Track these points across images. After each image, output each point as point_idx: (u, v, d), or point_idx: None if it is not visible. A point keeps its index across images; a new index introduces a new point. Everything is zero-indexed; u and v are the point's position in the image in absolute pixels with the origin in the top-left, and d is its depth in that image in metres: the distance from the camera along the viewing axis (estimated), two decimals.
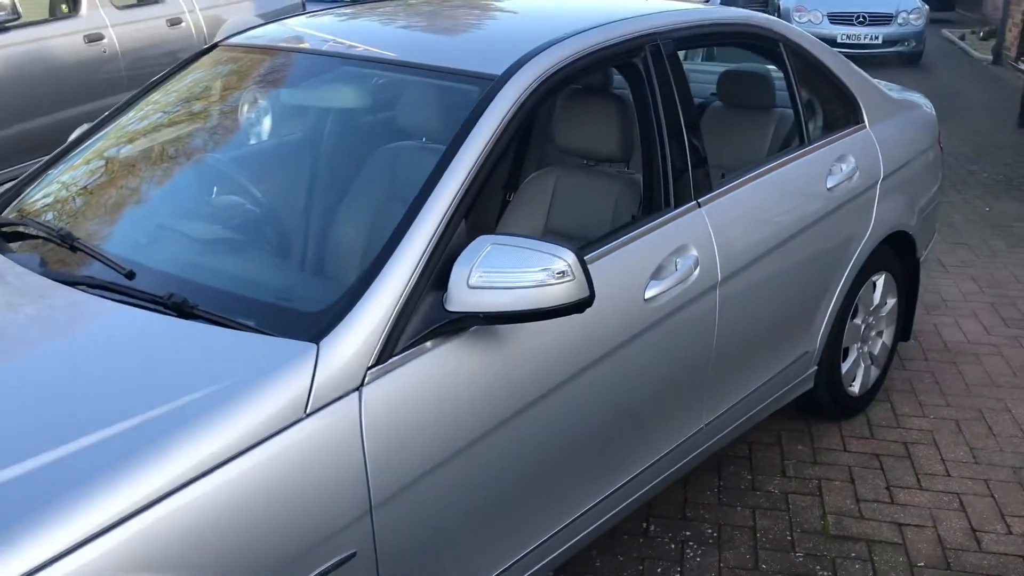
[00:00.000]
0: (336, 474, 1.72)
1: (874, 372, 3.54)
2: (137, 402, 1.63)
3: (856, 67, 3.34)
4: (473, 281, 1.84)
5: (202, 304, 1.88)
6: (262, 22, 3.21)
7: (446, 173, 1.97)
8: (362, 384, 1.77)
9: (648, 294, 2.30)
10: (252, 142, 2.54)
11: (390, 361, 1.82)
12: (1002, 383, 3.76)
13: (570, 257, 1.84)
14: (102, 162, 2.63)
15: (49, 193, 2.58)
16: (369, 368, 1.79)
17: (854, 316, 3.30)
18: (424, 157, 2.09)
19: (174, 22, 6.11)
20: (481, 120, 2.07)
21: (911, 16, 12.01)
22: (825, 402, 3.33)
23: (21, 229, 2.35)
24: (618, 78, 2.98)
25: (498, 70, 2.19)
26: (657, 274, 2.34)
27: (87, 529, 1.44)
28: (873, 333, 3.48)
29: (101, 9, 5.55)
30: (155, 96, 2.77)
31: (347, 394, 1.75)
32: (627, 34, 2.48)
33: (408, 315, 1.85)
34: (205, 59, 2.80)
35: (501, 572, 2.11)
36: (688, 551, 2.78)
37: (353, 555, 1.76)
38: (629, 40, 2.48)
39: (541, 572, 2.25)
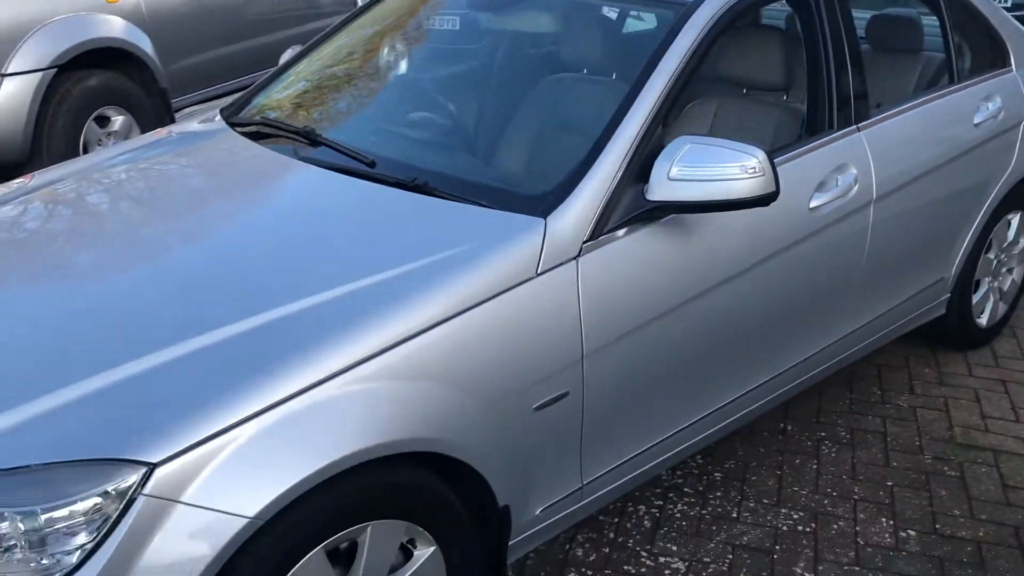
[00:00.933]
0: (558, 325, 2.06)
1: (1002, 307, 3.72)
2: (409, 254, 2.00)
3: (1007, 14, 3.50)
4: (673, 174, 2.14)
5: (439, 187, 2.24)
6: None
7: (650, 78, 2.27)
8: (578, 255, 2.11)
9: (812, 204, 2.57)
10: (466, 57, 2.89)
11: (600, 239, 2.14)
12: None
13: (761, 155, 2.13)
14: (324, 74, 3.01)
15: (279, 101, 2.98)
16: (584, 242, 2.12)
17: (988, 250, 3.49)
18: (630, 65, 2.39)
19: None
20: (678, 38, 2.36)
21: None
22: (954, 330, 3.54)
23: (266, 129, 2.75)
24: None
25: None
26: (820, 187, 2.61)
27: (380, 343, 1.82)
28: (1004, 269, 3.66)
29: None
30: (363, 19, 3.14)
31: (567, 261, 2.09)
32: None
33: (615, 202, 2.17)
34: None
35: (678, 431, 2.44)
36: (824, 448, 3.06)
37: (566, 394, 2.11)
38: None
39: (708, 439, 2.58)
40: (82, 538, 1.57)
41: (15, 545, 1.58)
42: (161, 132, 3.02)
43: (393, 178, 2.30)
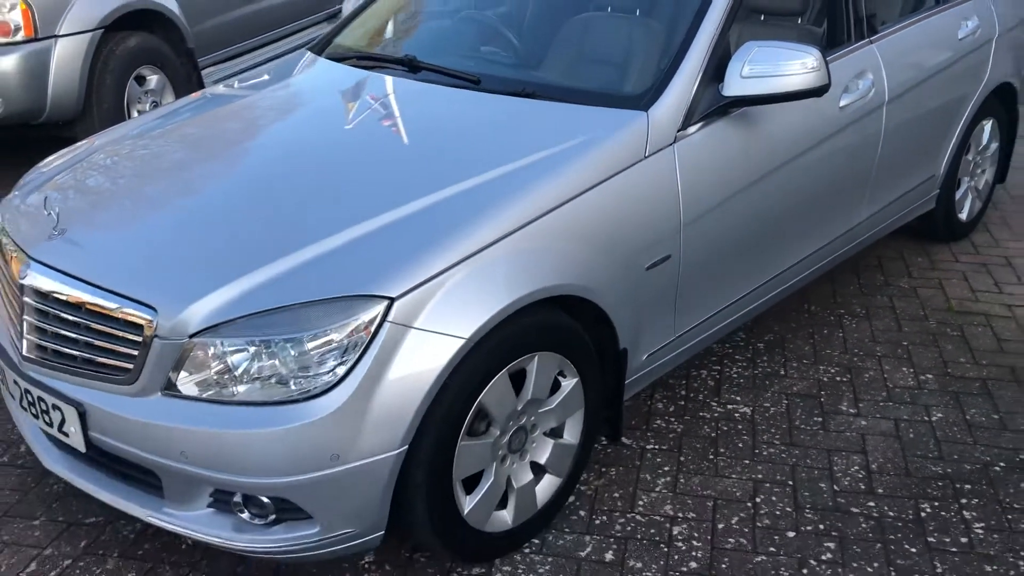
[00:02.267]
0: (663, 199, 2.53)
1: (977, 204, 4.30)
2: (547, 143, 2.45)
3: None
4: (744, 72, 2.62)
5: (550, 95, 2.69)
6: None
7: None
8: (674, 141, 2.58)
9: (841, 104, 3.08)
10: None
11: (689, 129, 2.61)
12: None
13: (816, 53, 2.61)
14: (408, 11, 3.43)
15: (367, 35, 3.37)
16: (678, 131, 2.59)
17: (967, 152, 4.05)
18: None
19: None
20: None
21: None
22: (941, 223, 4.10)
23: (365, 62, 3.14)
24: None
25: None
26: (846, 90, 3.11)
27: (535, 210, 2.27)
28: (979, 170, 4.23)
29: None
30: None
31: (666, 147, 2.56)
32: None
33: (699, 98, 2.64)
34: None
35: (748, 293, 2.94)
36: (845, 320, 3.60)
37: (668, 257, 2.58)
38: None
39: (767, 303, 3.09)
40: (337, 361, 2.00)
41: (284, 370, 2.00)
42: (262, 74, 3.39)
43: (504, 90, 2.74)
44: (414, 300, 2.05)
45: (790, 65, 2.60)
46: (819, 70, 2.61)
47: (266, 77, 3.28)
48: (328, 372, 2.00)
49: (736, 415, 3.02)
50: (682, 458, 2.81)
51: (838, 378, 3.22)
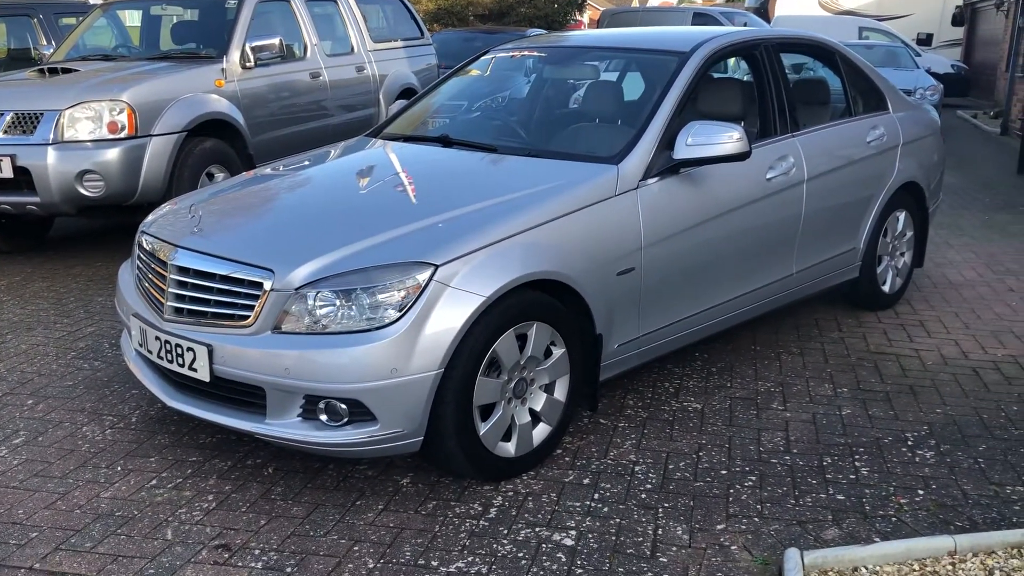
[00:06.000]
0: (628, 226, 3.49)
1: (899, 281, 5.25)
2: (544, 181, 3.44)
3: (883, 75, 5.16)
4: (688, 141, 3.63)
5: (549, 155, 3.70)
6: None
7: (670, 91, 3.80)
8: (636, 187, 3.56)
9: (767, 176, 4.09)
10: (544, 85, 4.42)
11: (648, 180, 3.61)
12: (988, 298, 5.45)
13: (740, 129, 3.63)
14: (440, 106, 4.51)
15: (411, 123, 4.44)
16: (640, 180, 3.58)
17: (885, 235, 5.03)
18: (656, 86, 3.91)
19: (360, 69, 8.09)
20: (683, 70, 3.90)
21: (927, 92, 13.93)
22: (865, 292, 5.03)
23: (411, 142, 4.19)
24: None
25: (687, 48, 4.03)
26: (771, 168, 4.13)
27: (536, 220, 3.22)
28: (898, 252, 5.21)
29: (319, 57, 7.54)
30: (451, 80, 4.68)
31: (631, 190, 3.54)
32: (750, 39, 4.33)
33: (656, 159, 3.64)
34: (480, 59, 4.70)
35: (694, 314, 3.85)
36: (782, 356, 4.48)
37: (633, 269, 3.51)
38: (752, 42, 4.32)
39: (710, 329, 3.98)
40: (397, 306, 2.90)
41: (359, 311, 2.90)
42: (334, 147, 4.45)
43: (523, 151, 3.78)
44: (452, 268, 2.97)
45: (721, 136, 3.62)
46: (742, 140, 3.63)
47: (338, 149, 4.33)
48: (390, 313, 2.90)
49: (689, 409, 3.87)
50: (645, 431, 3.65)
51: (772, 389, 4.08)
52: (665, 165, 3.66)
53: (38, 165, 5.58)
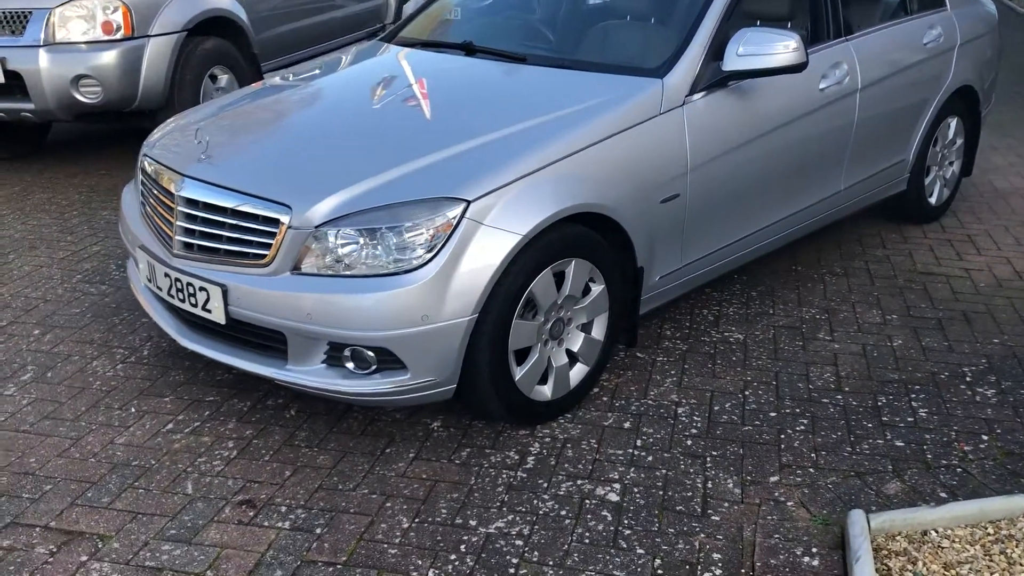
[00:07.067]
0: (673, 147, 3.20)
1: (946, 192, 4.96)
2: (585, 98, 3.13)
3: None
4: (739, 52, 3.29)
5: (585, 67, 3.37)
6: None
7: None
8: (683, 104, 3.25)
9: (820, 86, 3.75)
10: None
11: (694, 95, 3.29)
12: None
13: (797, 37, 3.28)
14: (455, 7, 4.15)
15: (428, 29, 4.08)
16: (685, 96, 3.26)
17: (934, 144, 4.71)
18: None
19: None
20: None
21: None
22: (912, 204, 4.75)
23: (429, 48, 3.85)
24: None
25: None
26: (824, 76, 3.79)
27: (572, 147, 2.93)
28: (947, 162, 4.89)
29: None
30: None
31: (677, 107, 3.23)
32: None
33: (703, 72, 3.31)
34: None
35: (741, 238, 3.59)
36: (826, 278, 4.24)
37: (677, 195, 3.24)
38: None
39: (754, 253, 3.73)
40: (427, 246, 2.65)
41: (386, 251, 2.65)
42: (346, 53, 4.10)
43: (547, 63, 3.43)
44: (485, 204, 2.71)
45: (775, 46, 3.28)
46: (799, 50, 3.29)
47: (351, 56, 3.98)
48: (420, 254, 2.66)
49: (731, 340, 3.66)
50: (686, 366, 3.45)
51: (817, 316, 3.86)
52: (713, 78, 3.33)
53: (30, 70, 5.22)
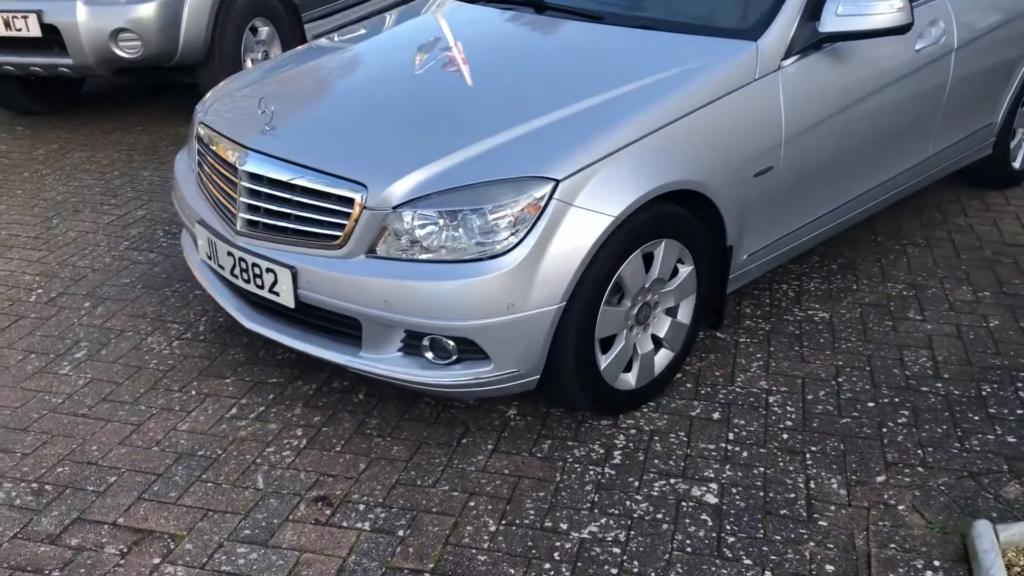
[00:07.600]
0: (767, 118, 2.96)
1: None
2: (667, 65, 2.89)
3: None
4: (839, 11, 3.03)
5: (670, 27, 3.13)
6: None
7: None
8: (778, 69, 3.00)
9: (917, 47, 3.49)
10: None
11: (790, 59, 3.04)
12: None
13: None
14: None
15: None
16: (781, 60, 3.01)
17: (1023, 104, 4.43)
18: None
19: None
20: None
21: None
22: (996, 169, 4.49)
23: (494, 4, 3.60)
24: None
25: None
26: (921, 35, 3.52)
27: (665, 118, 2.71)
28: None
29: None
30: None
31: (772, 72, 2.99)
32: None
33: (799, 33, 3.06)
34: None
35: (835, 208, 3.37)
36: (909, 249, 4.01)
37: (771, 168, 3.01)
38: None
39: (849, 221, 3.52)
40: (512, 230, 2.46)
41: (468, 235, 2.46)
42: (409, 11, 3.86)
43: (629, 22, 3.19)
44: (575, 183, 2.50)
45: (878, 5, 3.02)
46: (904, 10, 3.03)
47: (408, 12, 3.74)
48: (505, 238, 2.46)
49: (816, 319, 3.46)
50: (771, 348, 3.26)
51: (904, 293, 3.64)
52: (809, 40, 3.08)
53: (68, 23, 5.01)
